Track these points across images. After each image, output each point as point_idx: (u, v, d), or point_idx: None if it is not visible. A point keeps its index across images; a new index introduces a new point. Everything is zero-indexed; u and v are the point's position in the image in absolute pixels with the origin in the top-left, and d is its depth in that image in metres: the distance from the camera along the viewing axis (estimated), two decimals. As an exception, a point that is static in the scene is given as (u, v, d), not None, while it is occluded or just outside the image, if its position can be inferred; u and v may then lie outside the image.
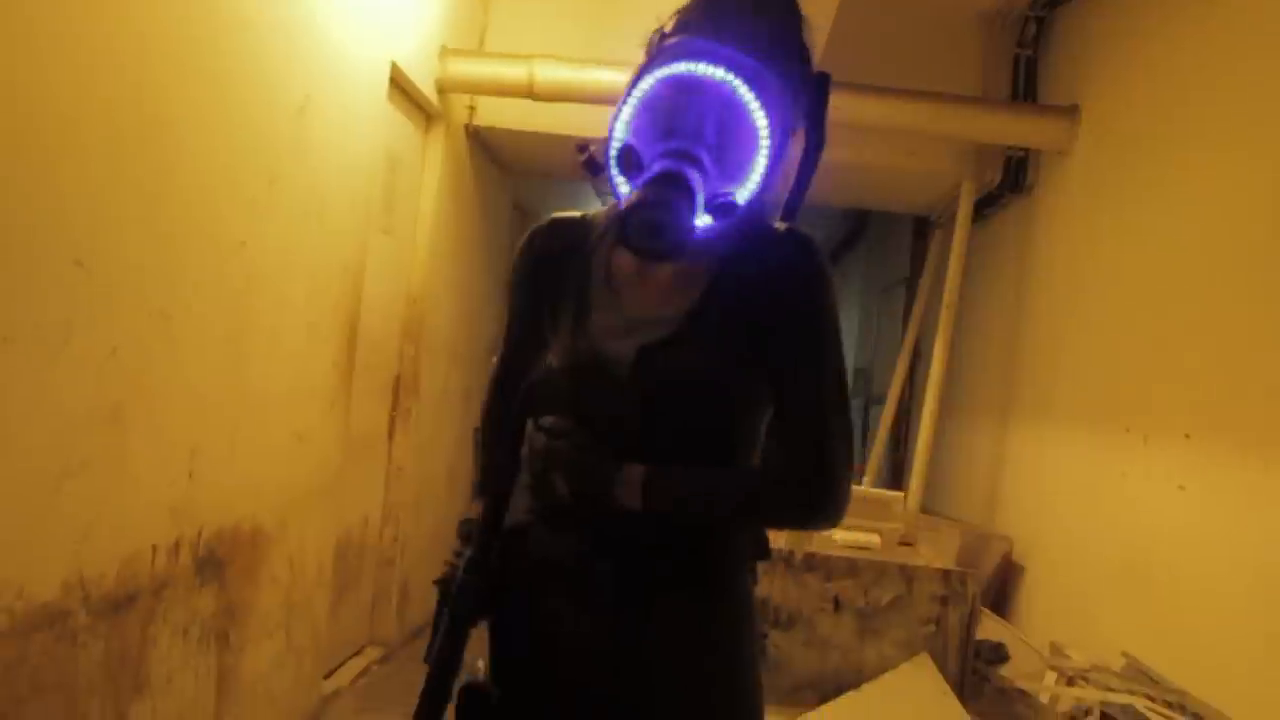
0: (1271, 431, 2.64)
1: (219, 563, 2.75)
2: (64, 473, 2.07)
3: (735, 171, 1.31)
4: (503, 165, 5.49)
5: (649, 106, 1.31)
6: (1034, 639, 3.80)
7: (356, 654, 4.22)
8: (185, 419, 2.51)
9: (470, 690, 1.44)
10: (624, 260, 1.44)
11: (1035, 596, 4.12)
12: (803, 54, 1.38)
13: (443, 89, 4.31)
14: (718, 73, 1.27)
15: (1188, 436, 3.04)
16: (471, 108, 4.68)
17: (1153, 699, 2.76)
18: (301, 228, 3.07)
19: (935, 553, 3.98)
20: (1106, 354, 3.77)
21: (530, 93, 4.27)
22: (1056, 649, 3.49)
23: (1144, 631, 3.12)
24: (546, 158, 5.44)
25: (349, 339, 3.55)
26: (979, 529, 4.70)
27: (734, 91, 1.28)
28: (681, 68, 1.28)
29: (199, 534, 2.62)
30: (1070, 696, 3.05)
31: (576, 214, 1.54)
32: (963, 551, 4.46)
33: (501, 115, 4.70)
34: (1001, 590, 4.40)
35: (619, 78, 4.16)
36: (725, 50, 1.28)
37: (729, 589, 1.47)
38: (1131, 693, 2.85)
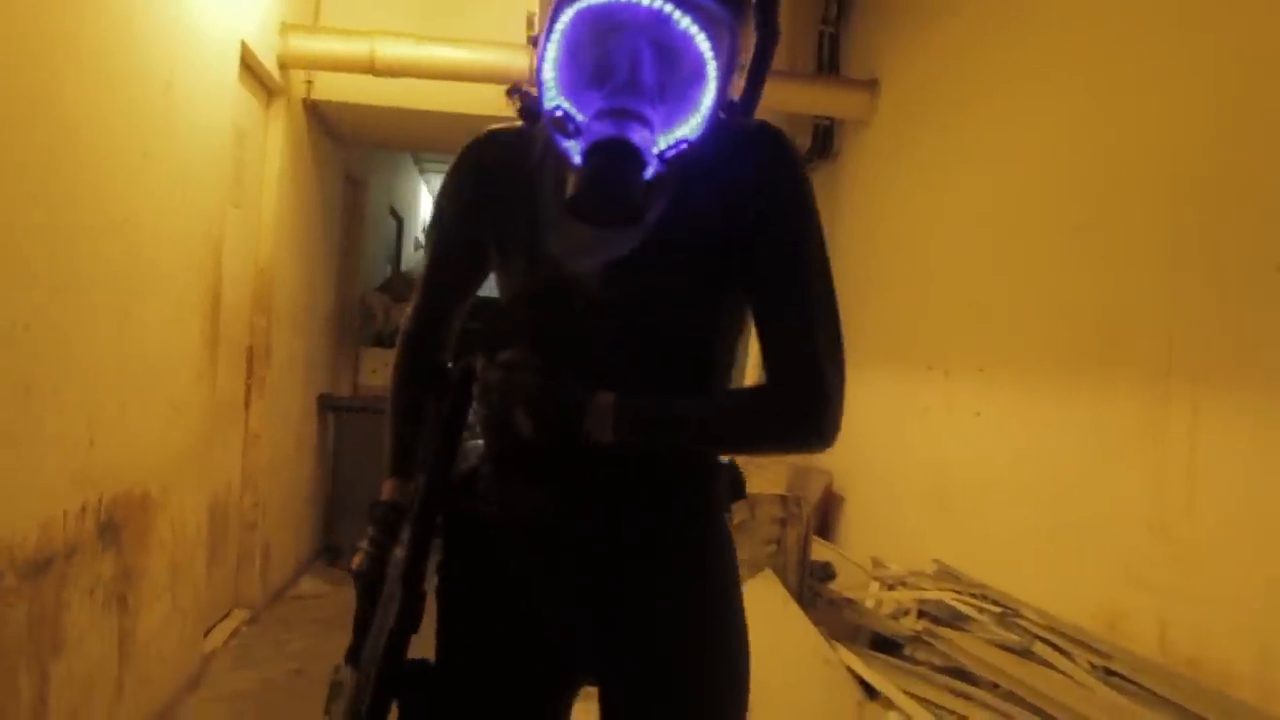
0: (1041, 365, 3.13)
1: (116, 527, 2.88)
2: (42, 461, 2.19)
3: (680, 106, 1.18)
4: (336, 137, 5.60)
5: (574, 47, 1.17)
6: (856, 557, 4.28)
7: (225, 616, 4.34)
8: (82, 390, 2.63)
9: (415, 671, 1.31)
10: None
11: (855, 520, 4.61)
12: None
13: (284, 64, 4.41)
14: (663, 6, 1.13)
15: (981, 370, 3.53)
16: (309, 82, 4.79)
17: (959, 593, 3.24)
18: (170, 202, 3.18)
19: (768, 485, 4.40)
20: (910, 302, 4.25)
21: (371, 69, 4.42)
22: (877, 562, 3.97)
23: (950, 540, 3.61)
24: (379, 130, 5.58)
25: (213, 310, 3.67)
26: (802, 464, 5.18)
27: (669, 19, 1.14)
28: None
29: (99, 500, 2.75)
30: (891, 599, 3.51)
31: (512, 127, 1.38)
32: (789, 485, 4.91)
33: (338, 90, 4.82)
34: (825, 518, 4.88)
35: (458, 54, 4.42)
36: None
37: (710, 545, 1.38)
38: (941, 590, 3.32)
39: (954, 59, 3.99)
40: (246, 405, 4.48)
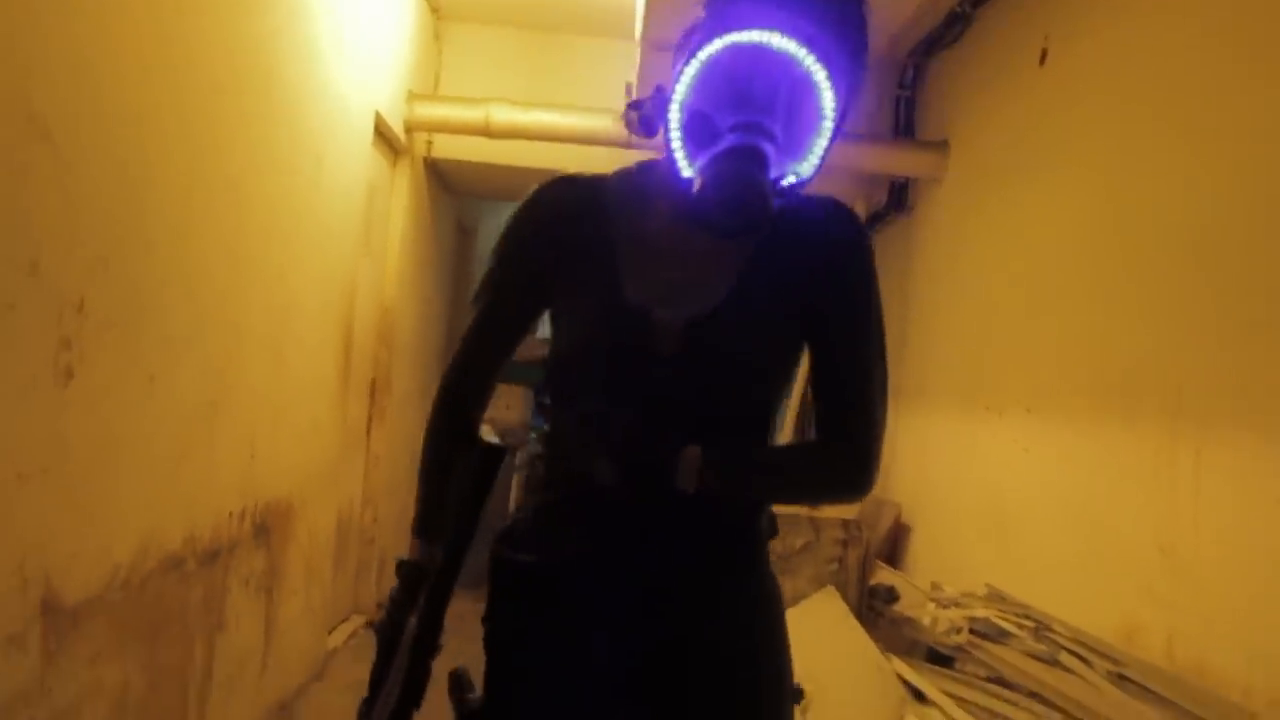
0: (1076, 406, 3.46)
1: (267, 530, 3.39)
2: (182, 455, 2.70)
3: (797, 149, 1.27)
4: (450, 189, 6.16)
5: (716, 70, 1.25)
6: (919, 581, 4.62)
7: (345, 620, 4.85)
8: (247, 413, 3.15)
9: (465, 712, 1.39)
10: (660, 225, 1.38)
11: (920, 548, 4.94)
12: (865, 32, 1.32)
13: (409, 128, 4.97)
14: (794, 47, 1.23)
15: (1029, 410, 3.86)
16: (429, 142, 5.34)
17: (1003, 612, 3.57)
18: (315, 255, 3.72)
19: (837, 511, 4.78)
20: (973, 347, 4.60)
21: (486, 131, 4.94)
22: (935, 586, 4.30)
23: (1000, 565, 3.94)
24: (489, 184, 6.12)
25: (346, 346, 4.20)
26: (875, 496, 5.52)
27: (807, 68, 1.24)
28: (758, 37, 1.23)
29: (255, 505, 3.27)
30: (945, 618, 3.85)
31: (584, 174, 1.46)
32: (862, 516, 5.26)
33: (454, 149, 5.37)
34: (894, 547, 5.21)
35: (561, 118, 4.93)
36: (803, 23, 1.23)
37: (762, 572, 1.46)
38: (988, 609, 3.66)
39: (1018, 121, 4.35)
40: (369, 431, 5.01)
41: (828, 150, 1.28)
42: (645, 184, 1.41)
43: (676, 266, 1.37)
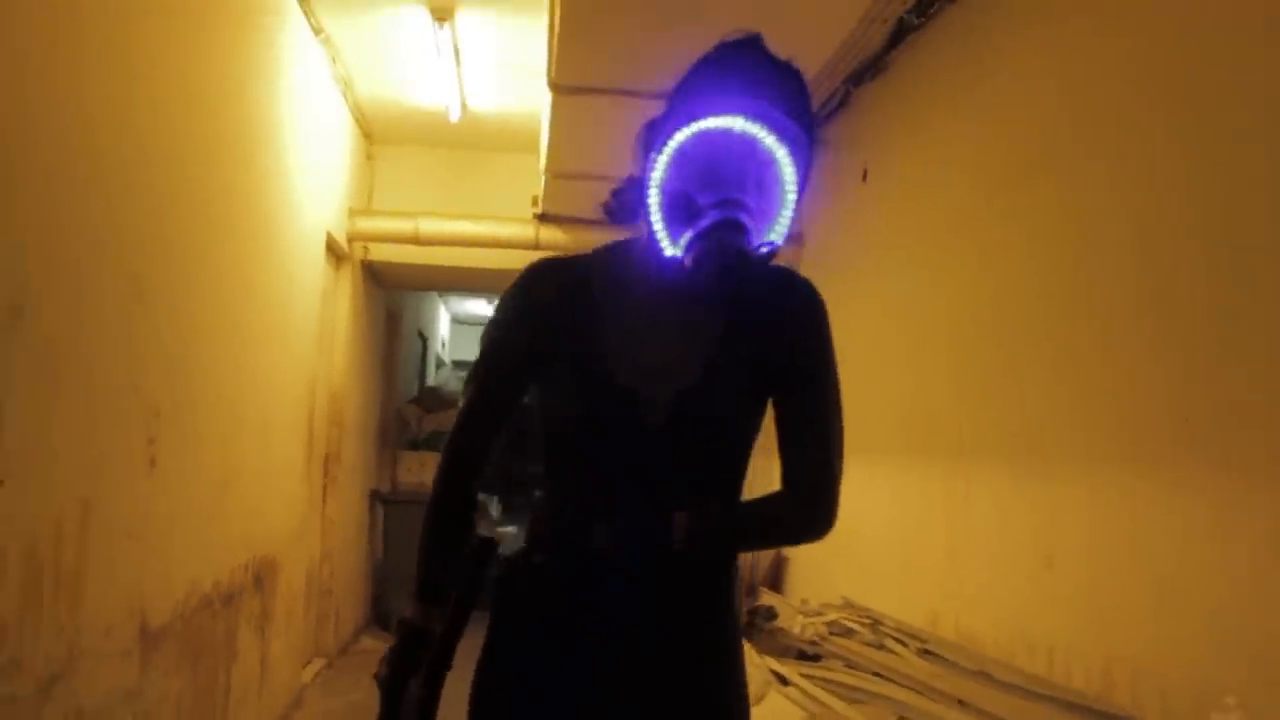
0: (893, 447, 4.45)
1: (261, 579, 4.21)
2: (210, 519, 3.52)
3: (767, 219, 1.41)
4: (381, 284, 7.03)
5: (687, 156, 1.40)
6: (794, 600, 5.57)
7: (308, 662, 5.62)
8: (248, 484, 3.98)
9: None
10: (642, 303, 1.51)
11: (796, 574, 5.89)
12: (810, 109, 1.47)
13: (350, 239, 5.85)
14: (757, 130, 1.38)
15: (866, 453, 4.85)
16: (366, 248, 6.22)
17: (851, 615, 4.53)
18: (288, 355, 4.57)
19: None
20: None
21: (416, 240, 5.85)
22: (804, 601, 5.26)
23: (851, 578, 4.90)
24: (416, 279, 7.03)
25: (309, 427, 5.04)
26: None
27: (770, 147, 1.39)
28: (724, 123, 1.38)
29: (254, 559, 4.08)
30: (809, 625, 4.80)
31: (568, 256, 1.60)
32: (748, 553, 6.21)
33: (388, 253, 6.25)
34: (777, 575, 6.16)
35: (478, 227, 5.87)
36: (762, 106, 1.38)
37: (732, 609, 1.60)
38: (839, 613, 4.61)
39: (848, 227, 5.38)
40: (324, 499, 5.82)
41: (793, 217, 1.44)
42: (626, 263, 1.54)
43: (658, 343, 1.50)
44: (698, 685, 1.53)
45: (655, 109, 1.50)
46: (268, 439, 4.23)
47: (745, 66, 1.43)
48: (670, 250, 1.42)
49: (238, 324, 3.77)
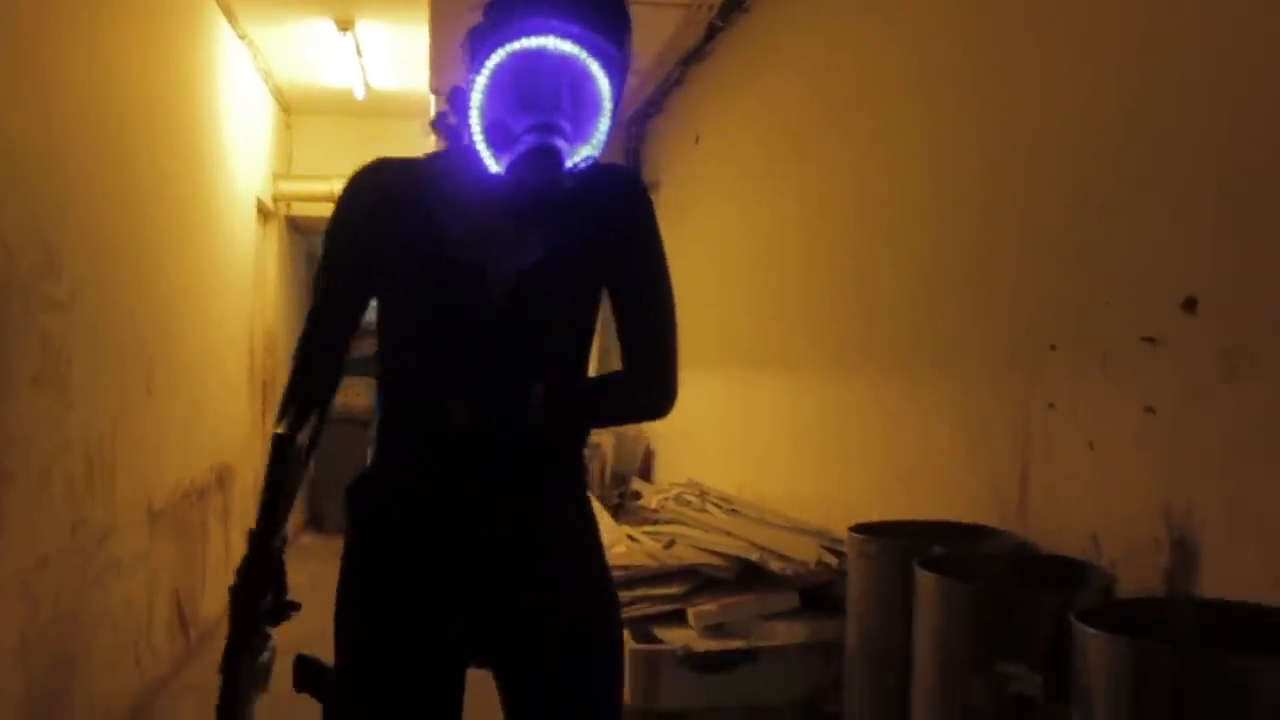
0: (715, 362, 5.71)
1: (223, 480, 5.37)
2: (186, 430, 4.65)
3: (583, 134, 1.49)
4: (302, 232, 8.08)
5: (503, 77, 1.46)
6: (660, 485, 6.87)
7: (259, 553, 6.79)
8: (211, 406, 5.10)
9: (305, 662, 1.57)
10: (476, 197, 1.54)
11: (660, 465, 7.20)
12: (626, 20, 1.53)
13: (275, 199, 6.90)
14: (573, 49, 1.44)
15: (701, 365, 6.11)
16: (289, 205, 7.26)
17: (689, 490, 5.83)
18: (234, 300, 5.67)
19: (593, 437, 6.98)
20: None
21: (331, 198, 6.87)
22: (658, 483, 6.56)
23: (697, 464, 6.19)
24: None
25: (250, 358, 6.16)
26: (632, 433, 7.77)
27: (586, 66, 1.46)
28: (538, 42, 1.44)
29: (215, 463, 5.23)
30: (658, 500, 6.09)
31: (396, 158, 1.64)
32: (622, 448, 7.50)
33: (307, 209, 7.30)
34: (647, 466, 7.47)
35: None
36: (577, 28, 1.44)
37: (584, 493, 1.67)
38: (682, 488, 5.91)
39: (688, 176, 6.58)
40: (264, 418, 6.94)
41: (610, 130, 1.50)
42: (458, 164, 1.56)
43: (496, 230, 1.54)
44: (560, 555, 1.60)
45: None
46: (223, 370, 5.37)
47: None
48: (494, 168, 1.48)
49: (199, 278, 4.87)
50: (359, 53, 5.90)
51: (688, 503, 5.77)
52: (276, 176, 6.87)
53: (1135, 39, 2.32)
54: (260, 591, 1.56)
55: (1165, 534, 2.14)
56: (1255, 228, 1.95)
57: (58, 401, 3.10)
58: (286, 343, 7.43)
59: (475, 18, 1.57)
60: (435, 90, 5.19)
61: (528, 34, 1.45)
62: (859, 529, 2.74)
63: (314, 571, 1.74)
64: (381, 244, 1.58)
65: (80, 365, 3.27)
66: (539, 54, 1.46)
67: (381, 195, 1.60)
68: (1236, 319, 1.99)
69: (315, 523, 8.36)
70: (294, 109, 7.35)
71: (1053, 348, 2.53)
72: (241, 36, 5.66)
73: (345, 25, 5.46)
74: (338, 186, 5.52)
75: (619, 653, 1.67)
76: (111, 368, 3.60)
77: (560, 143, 1.46)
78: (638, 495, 6.97)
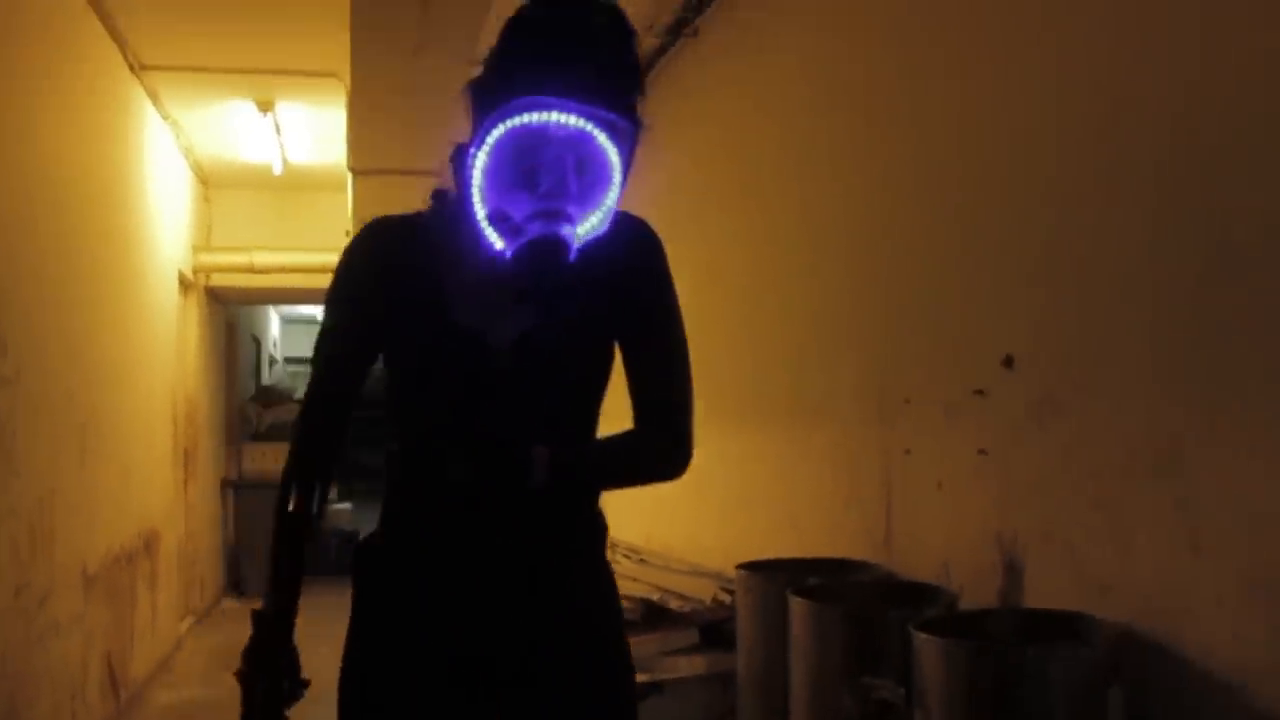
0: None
1: (149, 545, 5.53)
2: (119, 497, 4.84)
3: (591, 200, 1.42)
4: (222, 303, 8.28)
5: (506, 152, 1.39)
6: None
7: (184, 618, 6.92)
8: (139, 473, 5.28)
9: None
10: (478, 254, 1.46)
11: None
12: (638, 89, 1.47)
13: (195, 271, 7.11)
14: (578, 123, 1.37)
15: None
16: (208, 276, 7.47)
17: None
18: (159, 369, 5.87)
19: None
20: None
21: (250, 270, 7.15)
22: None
23: (610, 519, 6.50)
24: (248, 297, 8.28)
25: (174, 426, 6.34)
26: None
27: (594, 138, 1.38)
28: (541, 118, 1.36)
29: (143, 529, 5.40)
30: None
31: (398, 216, 1.57)
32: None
33: (225, 279, 7.52)
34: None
35: (300, 256, 7.22)
36: (582, 104, 1.36)
37: (604, 559, 1.63)
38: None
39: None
40: (186, 486, 7.10)
41: (619, 198, 1.44)
42: (458, 217, 1.50)
43: (497, 289, 1.48)
44: (567, 631, 1.53)
45: (440, 182, 1.57)
46: (149, 438, 5.55)
47: (564, 34, 1.42)
48: (499, 245, 1.43)
49: (126, 350, 5.09)
50: (278, 131, 6.19)
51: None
52: (196, 248, 7.10)
53: (955, 130, 2.75)
54: (272, 676, 1.52)
55: (999, 558, 2.52)
56: (1058, 297, 2.36)
57: (5, 470, 3.31)
58: (207, 411, 7.62)
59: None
60: (352, 169, 5.48)
61: (531, 109, 1.38)
62: (746, 566, 3.08)
63: (232, 633, 1.70)
64: (383, 306, 1.55)
65: (23, 437, 3.49)
66: (543, 130, 1.38)
67: (381, 258, 1.56)
68: (1045, 373, 2.39)
69: (236, 588, 8.47)
70: (213, 183, 7.59)
71: (907, 401, 2.92)
72: (165, 118, 5.93)
73: (266, 106, 5.76)
74: (256, 257, 5.90)
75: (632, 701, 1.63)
76: (49, 439, 3.81)
77: (566, 229, 1.40)
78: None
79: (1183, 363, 2.04)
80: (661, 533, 5.41)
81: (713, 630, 3.63)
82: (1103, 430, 2.22)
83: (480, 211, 1.43)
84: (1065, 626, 2.16)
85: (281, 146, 6.52)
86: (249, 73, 5.38)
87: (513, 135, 1.38)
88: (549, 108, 1.36)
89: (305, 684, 1.54)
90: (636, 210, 1.58)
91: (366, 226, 1.59)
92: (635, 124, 1.45)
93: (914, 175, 2.92)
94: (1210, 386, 1.96)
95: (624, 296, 1.55)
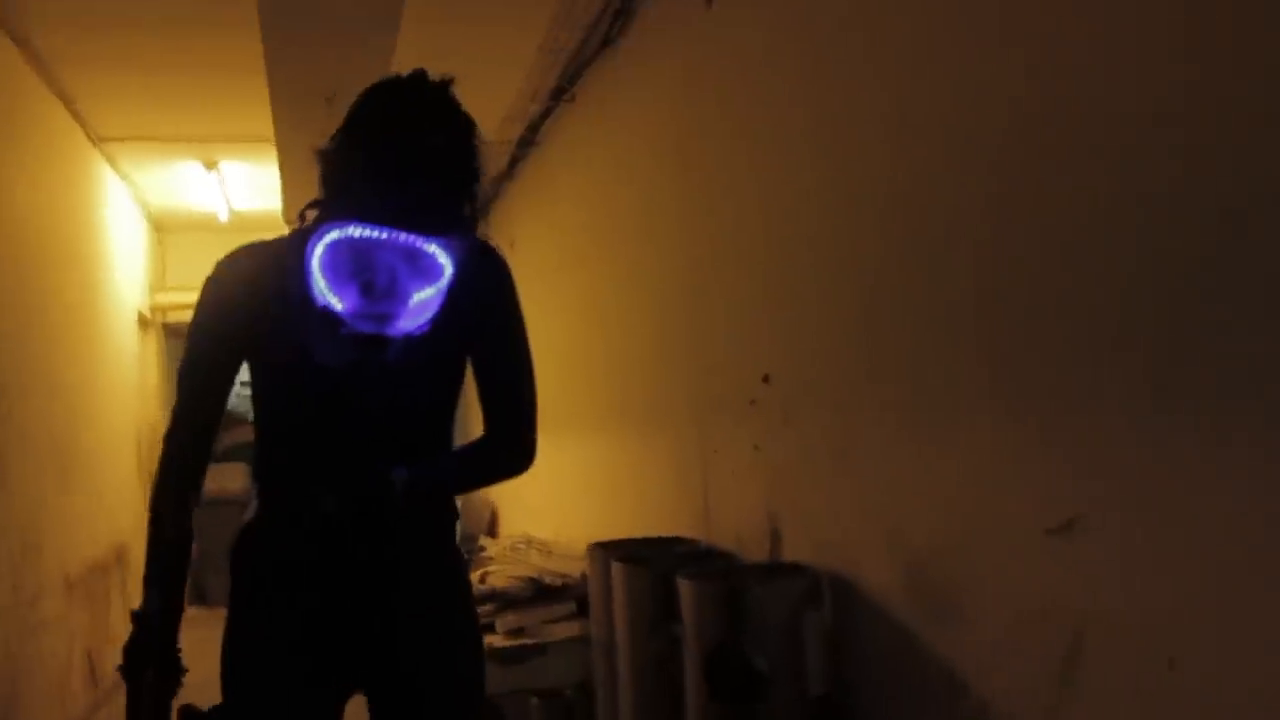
0: (551, 421, 6.87)
1: (120, 556, 6.28)
2: (96, 514, 5.59)
3: (414, 306, 1.53)
4: (177, 336, 9.01)
5: (340, 251, 1.49)
6: (499, 539, 7.95)
7: (150, 623, 7.65)
8: (110, 494, 6.03)
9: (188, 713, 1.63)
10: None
11: (503, 523, 8.29)
12: (473, 190, 1.59)
13: (152, 310, 7.87)
14: (406, 238, 1.47)
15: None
16: (165, 313, 8.21)
17: (518, 540, 6.94)
18: (127, 401, 6.62)
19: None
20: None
21: (203, 306, 7.89)
22: (500, 538, 7.65)
23: (527, 518, 7.30)
24: (205, 327, 9.00)
25: (139, 451, 7.10)
26: (476, 501, 8.86)
27: (421, 249, 1.48)
28: (375, 233, 1.46)
29: (114, 542, 6.16)
30: (495, 548, 7.19)
31: (262, 242, 1.71)
32: (468, 514, 8.58)
33: (178, 315, 8.26)
34: (493, 525, 8.56)
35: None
36: (408, 229, 1.46)
37: (459, 569, 1.86)
38: (512, 540, 7.02)
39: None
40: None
41: (450, 287, 1.55)
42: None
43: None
44: (431, 605, 1.70)
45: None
46: (117, 463, 6.32)
47: (407, 141, 1.49)
48: (339, 306, 1.52)
49: (96, 384, 5.85)
50: (222, 184, 6.97)
51: (517, 549, 6.90)
52: (152, 289, 7.86)
53: (752, 201, 3.62)
54: (154, 669, 1.71)
55: (768, 527, 3.37)
56: (798, 331, 3.20)
57: (2, 491, 4.09)
58: (167, 435, 8.36)
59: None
60: (288, 222, 6.29)
61: (361, 222, 1.46)
62: (596, 545, 3.92)
63: (200, 637, 1.93)
64: (244, 335, 1.65)
65: (15, 463, 4.27)
66: (371, 240, 1.48)
67: (239, 285, 1.66)
68: (787, 388, 3.24)
69: (199, 596, 9.20)
70: (166, 229, 8.36)
71: (713, 409, 3.77)
72: (123, 178, 6.71)
73: (211, 165, 6.56)
74: (207, 298, 6.62)
75: (478, 659, 1.85)
76: (35, 465, 4.59)
77: (391, 329, 1.52)
78: (483, 549, 8.07)
79: (860, 382, 2.91)
80: (566, 526, 6.24)
81: (586, 601, 4.46)
82: (816, 433, 3.07)
83: (322, 289, 1.55)
84: (794, 572, 3.01)
85: (226, 198, 7.30)
86: (194, 141, 6.17)
87: (346, 241, 1.51)
88: (382, 228, 1.49)
89: (184, 671, 1.74)
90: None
91: (229, 255, 1.72)
92: (466, 233, 1.57)
93: (722, 237, 3.76)
94: (873, 403, 2.82)
95: (474, 319, 1.69)
